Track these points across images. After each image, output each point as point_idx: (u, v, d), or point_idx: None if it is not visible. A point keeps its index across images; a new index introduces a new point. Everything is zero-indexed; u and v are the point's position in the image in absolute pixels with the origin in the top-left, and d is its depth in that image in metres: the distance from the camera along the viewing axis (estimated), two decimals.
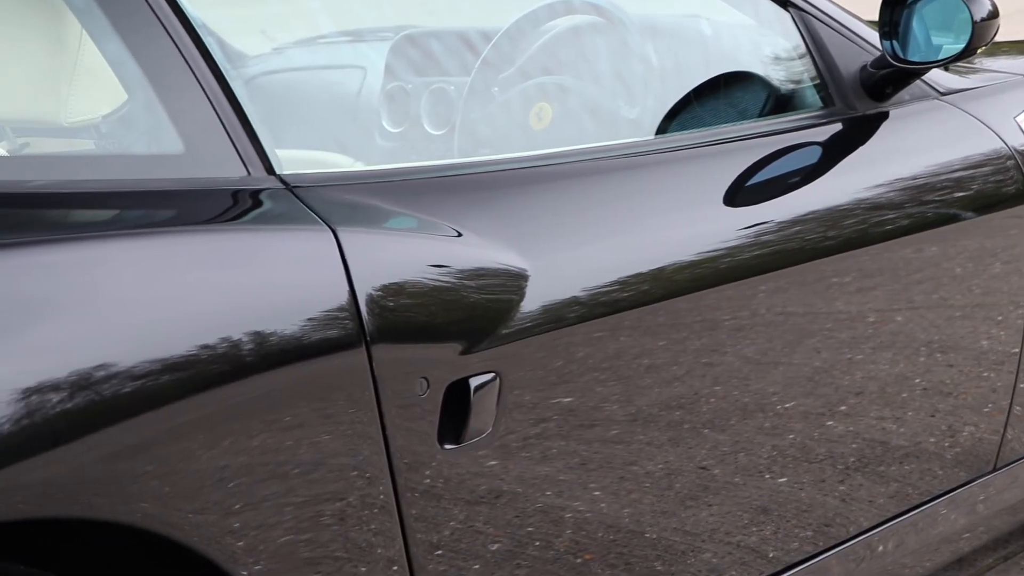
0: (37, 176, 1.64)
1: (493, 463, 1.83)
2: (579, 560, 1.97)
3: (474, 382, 1.78)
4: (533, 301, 1.85)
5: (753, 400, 2.16)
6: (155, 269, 1.56)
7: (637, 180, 2.10)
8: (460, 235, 1.81)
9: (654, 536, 2.06)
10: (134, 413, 1.48)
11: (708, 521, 2.13)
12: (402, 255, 1.75)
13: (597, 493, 1.97)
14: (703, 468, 2.11)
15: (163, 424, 1.51)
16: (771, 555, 2.25)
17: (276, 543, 1.61)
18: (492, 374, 1.80)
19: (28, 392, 1.41)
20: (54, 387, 1.43)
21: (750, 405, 2.16)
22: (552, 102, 2.44)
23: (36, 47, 1.80)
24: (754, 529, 2.21)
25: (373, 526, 1.70)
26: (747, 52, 2.54)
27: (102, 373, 1.46)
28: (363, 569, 1.70)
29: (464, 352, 1.77)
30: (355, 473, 1.68)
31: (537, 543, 1.92)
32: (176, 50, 1.71)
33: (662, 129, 2.40)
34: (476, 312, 1.80)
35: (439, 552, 1.79)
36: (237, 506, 1.57)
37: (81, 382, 1.44)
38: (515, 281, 1.84)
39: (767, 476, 2.21)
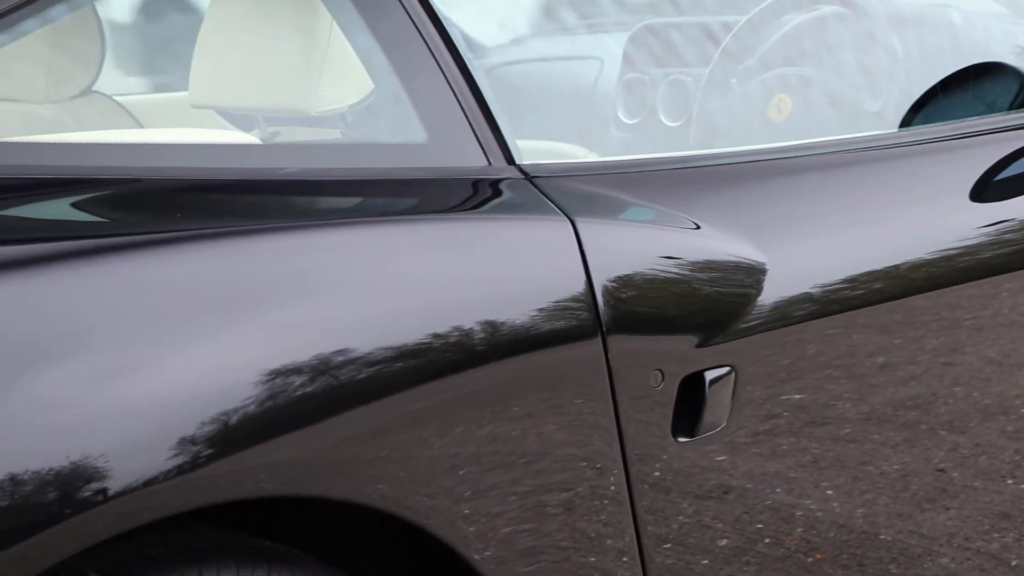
0: (287, 164, 1.69)
1: (723, 458, 1.82)
2: (810, 559, 1.95)
3: (709, 375, 1.77)
4: (769, 295, 1.83)
5: (995, 402, 2.09)
6: (396, 256, 1.59)
7: (878, 174, 2.06)
8: (698, 227, 1.80)
9: (888, 538, 2.02)
10: (371, 399, 1.51)
11: (946, 525, 2.08)
12: (640, 246, 1.75)
13: (829, 492, 1.94)
14: (940, 470, 2.06)
15: (398, 410, 1.53)
16: (1013, 563, 2.18)
17: (506, 530, 1.63)
18: (728, 368, 1.78)
19: (274, 374, 1.45)
20: (297, 370, 1.47)
21: (992, 407, 2.09)
22: (792, 94, 2.40)
23: (289, 38, 1.85)
24: (995, 535, 2.14)
25: (603, 517, 1.71)
26: (999, 42, 2.47)
27: (341, 358, 1.50)
28: (592, 559, 1.71)
29: (699, 345, 1.76)
30: (584, 464, 1.68)
31: (767, 540, 1.90)
32: (422, 41, 1.74)
33: (906, 122, 2.34)
34: (712, 305, 1.78)
35: (668, 545, 1.79)
36: (468, 493, 1.59)
37: (321, 366, 1.48)
38: (752, 275, 1.82)
39: (1009, 481, 2.14)
